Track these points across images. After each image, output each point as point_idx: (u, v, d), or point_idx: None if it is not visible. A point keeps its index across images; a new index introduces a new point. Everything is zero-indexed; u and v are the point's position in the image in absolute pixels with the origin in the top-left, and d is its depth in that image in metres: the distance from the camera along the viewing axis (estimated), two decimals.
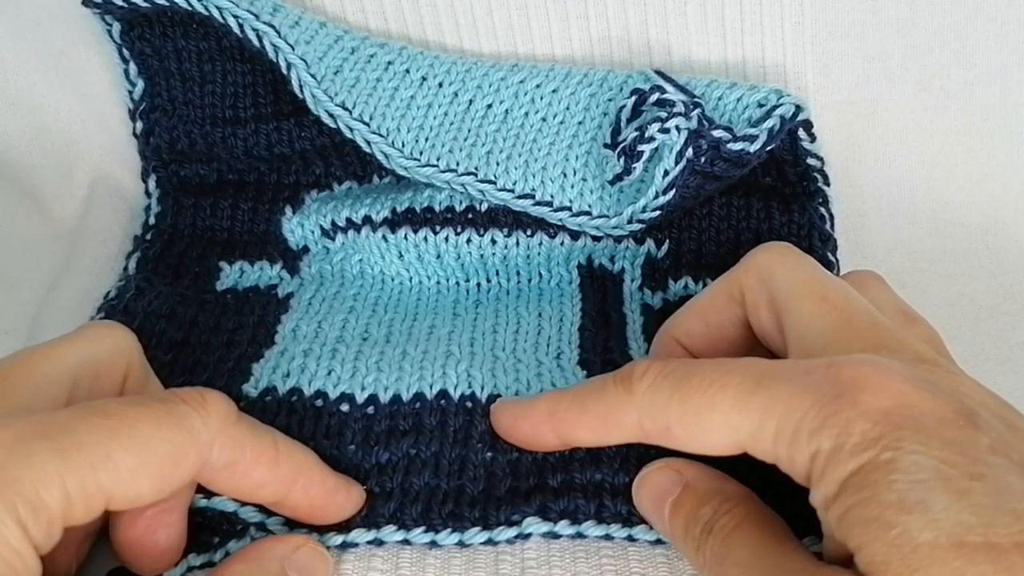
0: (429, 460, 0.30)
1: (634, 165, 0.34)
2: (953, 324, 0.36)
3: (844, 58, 0.39)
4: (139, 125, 0.40)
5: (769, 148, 0.34)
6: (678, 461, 0.28)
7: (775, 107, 0.34)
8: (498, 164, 0.36)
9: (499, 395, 0.32)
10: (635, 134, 0.34)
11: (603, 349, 0.35)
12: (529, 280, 0.39)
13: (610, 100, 0.37)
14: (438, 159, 0.37)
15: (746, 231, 0.38)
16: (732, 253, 0.36)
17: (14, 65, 0.41)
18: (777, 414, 0.24)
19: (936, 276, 0.41)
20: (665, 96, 0.34)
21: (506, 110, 0.38)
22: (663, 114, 0.33)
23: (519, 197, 0.36)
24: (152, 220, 0.41)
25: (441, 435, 0.30)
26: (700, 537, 0.26)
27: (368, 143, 0.36)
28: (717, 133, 0.33)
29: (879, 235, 0.42)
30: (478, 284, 0.39)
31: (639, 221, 0.35)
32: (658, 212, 0.35)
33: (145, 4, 0.36)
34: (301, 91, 0.36)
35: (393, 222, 0.38)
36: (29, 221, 0.42)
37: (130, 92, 0.40)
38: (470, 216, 0.38)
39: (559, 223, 0.37)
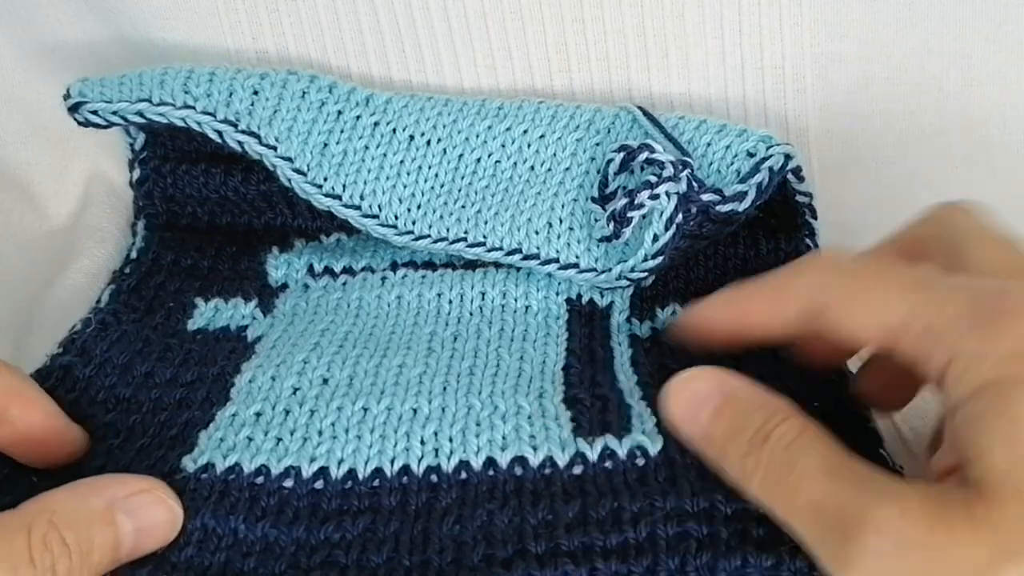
0: (388, 538, 0.27)
1: (623, 230, 0.34)
2: None
3: (843, 59, 0.38)
4: (136, 173, 0.40)
5: (757, 204, 0.34)
6: (716, 369, 0.28)
7: (764, 159, 0.34)
8: (486, 223, 0.37)
9: (467, 462, 0.29)
10: (625, 200, 0.34)
11: (590, 384, 0.32)
12: (515, 312, 0.37)
13: (597, 144, 0.37)
14: (430, 227, 0.37)
15: (733, 258, 0.38)
16: (719, 280, 0.36)
17: (8, 61, 0.41)
18: (934, 310, 0.24)
19: None
20: (655, 156, 0.34)
21: (496, 162, 0.38)
22: (653, 178, 0.33)
23: (508, 254, 0.36)
24: (134, 254, 0.40)
25: (402, 514, 0.28)
26: (751, 444, 0.26)
27: (363, 226, 0.37)
28: (707, 197, 0.33)
29: (877, 237, 0.41)
30: (459, 317, 0.37)
31: (626, 279, 0.35)
32: (645, 273, 0.35)
33: (128, 123, 0.37)
34: (290, 185, 0.37)
35: (394, 268, 0.39)
36: (24, 219, 0.42)
37: (131, 144, 0.40)
38: (471, 263, 0.38)
39: (547, 275, 0.37)
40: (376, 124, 0.38)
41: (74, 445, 0.30)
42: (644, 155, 0.34)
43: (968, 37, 0.38)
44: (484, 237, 0.37)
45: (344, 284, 0.38)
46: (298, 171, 0.36)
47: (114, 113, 0.36)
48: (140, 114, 0.36)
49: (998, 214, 0.40)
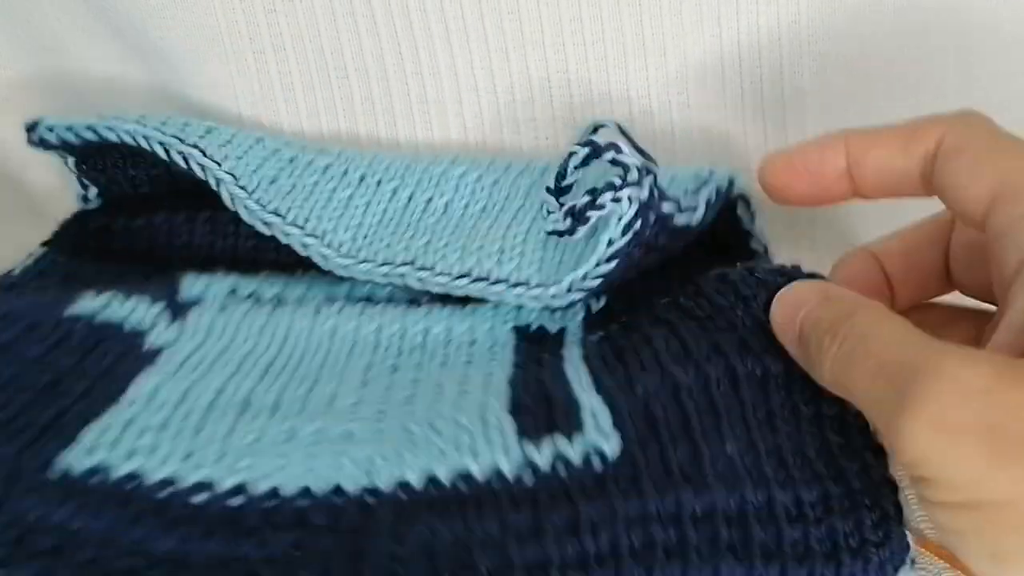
0: (318, 555, 0.24)
1: (579, 227, 0.33)
2: None
3: (841, 59, 0.38)
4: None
5: (707, 220, 0.34)
6: (821, 280, 0.28)
7: (710, 176, 0.34)
8: (436, 252, 0.35)
9: (406, 480, 0.26)
10: (587, 199, 0.33)
11: (535, 387, 0.29)
12: (459, 346, 0.34)
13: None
14: (375, 254, 0.35)
15: (679, 278, 0.36)
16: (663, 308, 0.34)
17: (6, 61, 0.41)
18: None
19: None
20: (621, 157, 0.33)
21: (446, 203, 0.37)
22: (617, 180, 0.32)
23: (456, 278, 0.34)
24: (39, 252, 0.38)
25: (333, 531, 0.25)
26: (833, 323, 0.25)
27: (304, 246, 0.35)
28: (667, 207, 0.32)
29: (876, 235, 0.41)
30: (399, 350, 0.34)
31: (579, 290, 0.33)
32: (599, 280, 0.33)
33: (77, 141, 0.36)
34: (233, 204, 0.35)
35: (330, 301, 0.36)
36: (22, 220, 0.42)
37: (84, 202, 0.40)
38: (412, 301, 0.36)
39: (497, 298, 0.34)
40: (328, 166, 0.38)
41: None
42: (610, 154, 0.33)
43: (969, 37, 0.38)
44: (433, 264, 0.35)
45: (272, 311, 0.35)
46: (242, 188, 0.36)
47: (68, 129, 0.36)
48: (92, 128, 0.36)
49: None
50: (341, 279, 0.36)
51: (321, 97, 0.41)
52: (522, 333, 0.34)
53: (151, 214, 0.39)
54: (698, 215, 0.33)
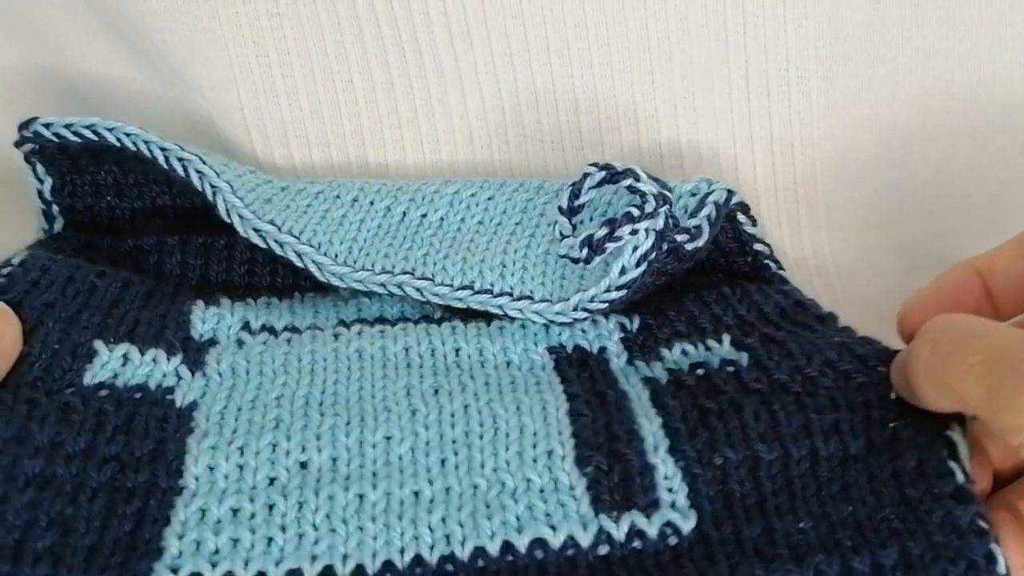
0: None
1: (595, 257, 0.33)
2: None
3: (848, 61, 0.38)
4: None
5: (710, 238, 0.34)
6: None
7: (707, 194, 0.34)
8: (435, 264, 0.35)
9: (483, 547, 0.26)
10: (605, 231, 0.32)
11: (605, 436, 0.29)
12: (495, 367, 0.33)
13: (547, 203, 0.37)
14: (373, 264, 0.35)
15: (720, 300, 0.35)
16: (713, 320, 0.34)
17: (9, 63, 0.41)
18: None
19: None
20: (639, 185, 0.33)
21: (441, 218, 0.37)
22: (635, 211, 0.32)
23: (458, 290, 0.34)
24: (17, 259, 0.34)
25: None
26: (936, 324, 0.27)
27: (299, 256, 0.35)
28: (680, 237, 0.32)
29: (881, 240, 0.41)
30: (434, 370, 0.33)
31: (584, 311, 0.33)
32: (605, 304, 0.33)
33: (75, 139, 0.35)
34: (228, 215, 0.35)
35: (345, 326, 0.35)
36: (24, 224, 0.42)
37: (46, 231, 0.39)
38: (427, 318, 0.36)
39: (498, 311, 0.34)
40: (320, 192, 0.38)
41: None
42: (628, 181, 0.33)
43: (974, 39, 0.38)
44: (432, 275, 0.35)
45: (289, 341, 0.34)
46: (239, 198, 0.35)
47: (67, 127, 0.35)
48: (91, 127, 0.35)
49: (1004, 216, 0.40)
50: (347, 301, 0.36)
51: (325, 100, 0.41)
52: (558, 354, 0.34)
53: (138, 238, 0.38)
54: (704, 238, 0.33)
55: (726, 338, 0.32)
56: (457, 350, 0.33)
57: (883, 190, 0.41)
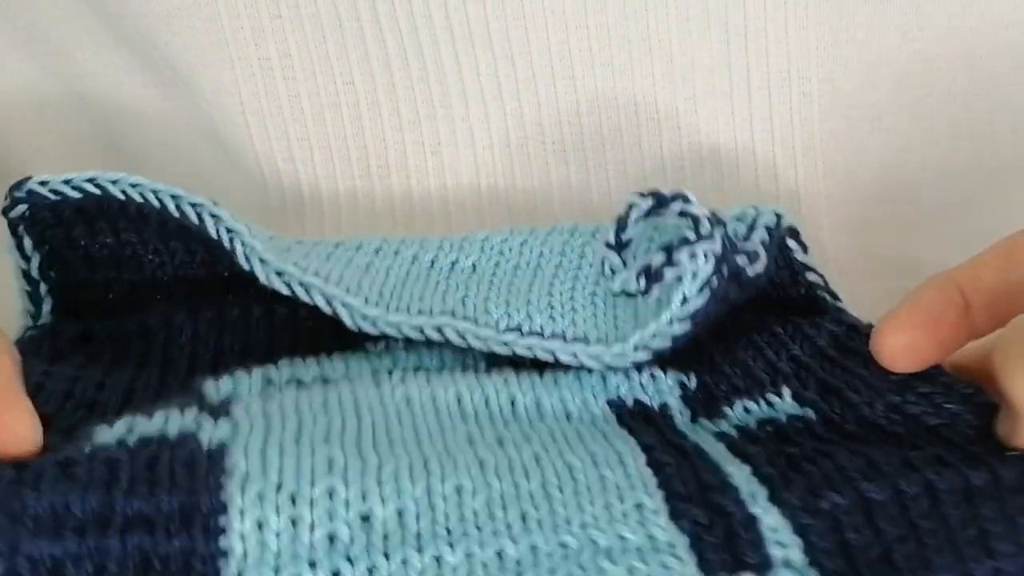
0: None
1: (654, 287, 0.30)
2: None
3: (849, 63, 0.38)
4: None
5: (770, 263, 0.32)
6: None
7: (755, 218, 0.32)
8: (475, 307, 0.32)
9: None
10: (662, 257, 0.30)
11: (696, 486, 0.25)
12: (555, 418, 0.30)
13: (585, 244, 0.34)
14: (407, 307, 0.31)
15: (773, 343, 0.32)
16: (769, 369, 0.30)
17: (11, 64, 0.41)
18: None
19: None
20: (690, 208, 0.31)
21: (473, 264, 0.34)
22: (690, 235, 0.30)
23: (505, 331, 0.31)
24: (30, 320, 0.32)
25: None
26: None
27: (327, 300, 0.31)
28: (740, 260, 0.30)
29: (884, 241, 0.41)
30: (491, 421, 0.29)
31: (644, 349, 0.30)
32: (669, 342, 0.30)
33: (75, 194, 0.32)
34: (247, 260, 0.31)
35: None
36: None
37: (31, 320, 0.34)
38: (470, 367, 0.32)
39: (549, 357, 0.31)
40: (338, 244, 0.35)
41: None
42: (678, 205, 0.31)
43: (975, 41, 0.38)
44: (475, 317, 0.31)
45: (324, 388, 0.30)
46: (258, 243, 0.32)
47: (66, 182, 0.32)
48: (93, 181, 0.32)
49: (1005, 218, 0.40)
50: (381, 356, 0.33)
51: (326, 102, 0.41)
52: (619, 407, 0.30)
53: (142, 316, 0.34)
54: (763, 262, 0.31)
55: (786, 391, 0.29)
56: (512, 400, 0.30)
57: (884, 191, 0.41)
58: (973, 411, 0.27)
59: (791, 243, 0.34)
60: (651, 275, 0.30)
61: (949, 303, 0.28)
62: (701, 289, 0.29)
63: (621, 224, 0.32)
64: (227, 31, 0.40)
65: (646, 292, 0.31)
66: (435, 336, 0.31)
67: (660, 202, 0.32)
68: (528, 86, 0.39)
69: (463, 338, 0.31)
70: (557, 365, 0.31)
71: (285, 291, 0.31)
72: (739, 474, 0.26)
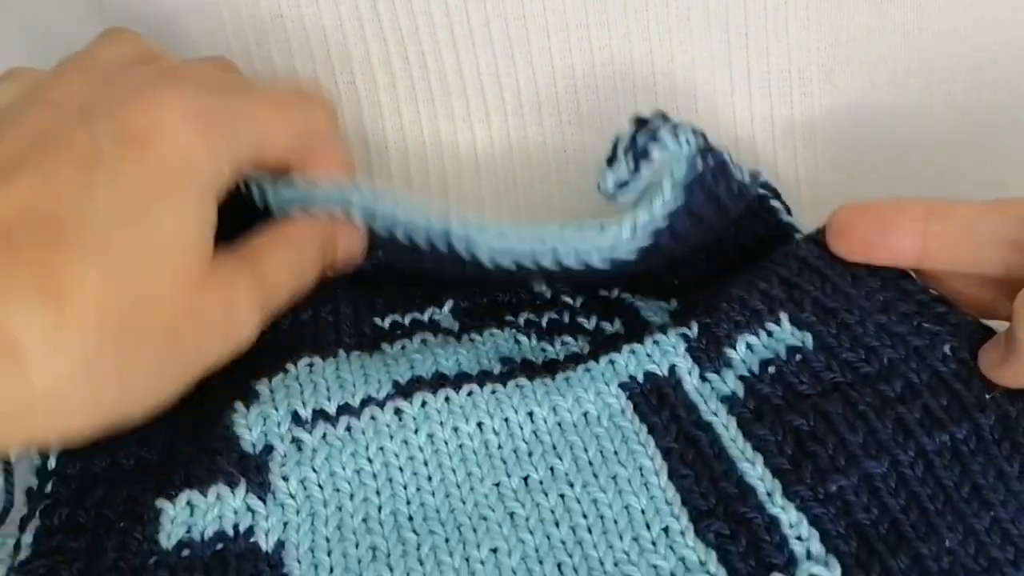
0: None
1: (642, 163, 0.31)
2: None
3: (850, 63, 0.38)
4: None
5: (742, 206, 0.33)
6: None
7: (700, 150, 0.32)
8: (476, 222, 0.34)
9: None
10: (647, 137, 0.31)
11: (716, 496, 0.27)
12: (575, 427, 0.30)
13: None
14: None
15: (763, 275, 0.33)
16: (764, 298, 0.32)
17: (16, 62, 0.41)
18: None
19: None
20: (669, 119, 0.32)
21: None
22: (673, 123, 0.32)
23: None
24: (53, 462, 0.30)
25: None
26: None
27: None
28: (724, 154, 0.32)
29: None
30: (515, 452, 0.30)
31: (643, 231, 0.32)
32: (666, 221, 0.31)
33: None
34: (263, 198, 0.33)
35: (403, 392, 0.31)
36: None
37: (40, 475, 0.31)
38: (487, 374, 0.33)
39: (564, 272, 0.32)
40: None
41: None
42: (658, 124, 0.32)
43: (976, 41, 0.38)
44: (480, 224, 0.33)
45: (348, 430, 0.30)
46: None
47: None
48: None
49: None
50: (397, 359, 0.33)
51: None
52: (632, 390, 0.31)
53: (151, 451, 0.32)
54: (746, 178, 0.32)
55: (783, 316, 0.31)
56: (531, 414, 0.31)
57: (885, 191, 0.41)
58: (949, 330, 0.29)
59: (775, 204, 0.35)
60: (638, 152, 0.31)
61: (910, 214, 0.30)
62: (690, 166, 0.31)
63: (612, 153, 0.33)
64: (228, 28, 0.40)
65: (636, 170, 0.32)
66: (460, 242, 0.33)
67: (640, 122, 0.32)
68: (529, 86, 0.39)
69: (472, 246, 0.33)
70: (566, 363, 0.32)
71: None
72: (753, 471, 0.28)
